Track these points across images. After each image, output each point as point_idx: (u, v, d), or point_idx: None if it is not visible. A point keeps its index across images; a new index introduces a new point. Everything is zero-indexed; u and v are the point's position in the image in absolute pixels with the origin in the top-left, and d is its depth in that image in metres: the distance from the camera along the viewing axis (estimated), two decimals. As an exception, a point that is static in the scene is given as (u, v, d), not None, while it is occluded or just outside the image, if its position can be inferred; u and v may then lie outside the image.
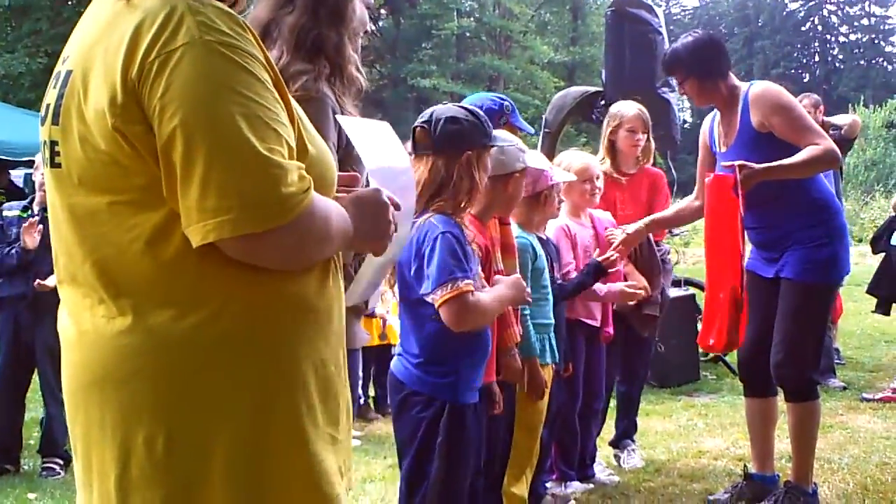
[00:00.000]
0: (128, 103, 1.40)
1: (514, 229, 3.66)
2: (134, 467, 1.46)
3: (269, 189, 1.39)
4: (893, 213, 7.19)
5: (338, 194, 1.66)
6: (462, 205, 2.91)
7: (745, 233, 4.01)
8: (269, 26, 2.38)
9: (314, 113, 2.23)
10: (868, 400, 6.43)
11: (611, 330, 4.61)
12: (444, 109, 2.95)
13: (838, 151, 3.97)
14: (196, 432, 1.45)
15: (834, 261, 4.02)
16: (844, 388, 6.84)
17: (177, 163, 1.38)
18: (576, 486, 4.52)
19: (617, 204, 4.86)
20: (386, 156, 1.91)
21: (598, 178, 4.48)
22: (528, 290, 3.16)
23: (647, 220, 4.47)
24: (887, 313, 7.26)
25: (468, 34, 36.95)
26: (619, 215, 4.73)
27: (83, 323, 1.53)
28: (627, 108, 4.97)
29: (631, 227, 4.38)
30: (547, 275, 3.89)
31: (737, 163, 3.75)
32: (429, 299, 2.82)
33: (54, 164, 1.54)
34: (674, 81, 4.46)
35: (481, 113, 3.01)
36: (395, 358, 3.06)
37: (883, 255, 7.12)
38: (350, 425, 1.73)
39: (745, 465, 4.34)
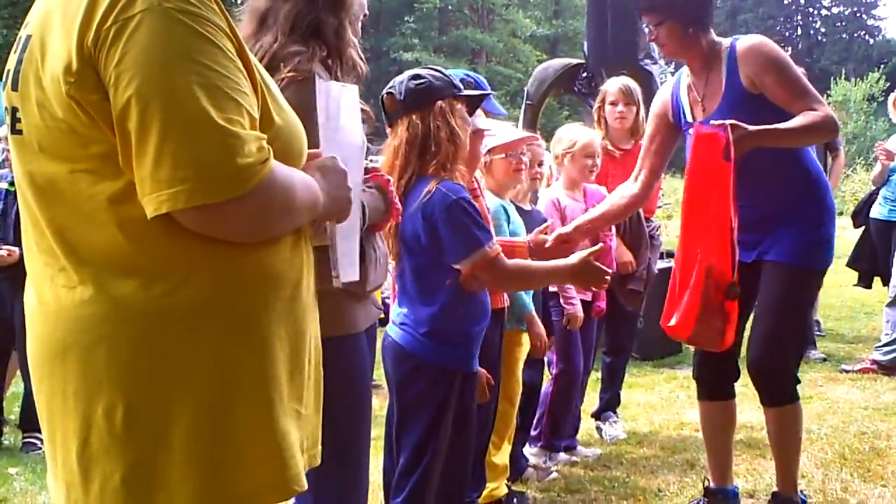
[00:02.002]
0: (84, 71, 1.38)
1: (490, 197, 3.71)
2: (94, 439, 1.44)
3: (225, 159, 1.36)
4: (873, 187, 7.20)
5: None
6: (451, 158, 2.87)
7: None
8: (266, 15, 2.36)
9: (306, 92, 2.20)
10: (847, 371, 6.50)
11: (603, 304, 4.65)
12: (405, 74, 2.95)
13: (837, 120, 3.46)
14: (157, 403, 1.43)
15: (828, 243, 3.55)
16: (824, 360, 6.90)
17: (132, 132, 1.36)
18: (558, 458, 4.56)
19: (609, 178, 4.88)
20: (341, 125, 1.89)
21: (598, 155, 4.49)
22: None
23: (570, 226, 3.69)
24: (869, 286, 7.30)
25: (450, 7, 36.82)
26: (610, 189, 4.73)
27: (44, 293, 1.51)
28: (611, 84, 5.06)
29: (564, 229, 3.58)
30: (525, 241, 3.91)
31: (728, 122, 3.16)
32: (460, 267, 2.81)
33: (16, 131, 1.51)
34: (644, 24, 3.63)
35: (443, 69, 3.00)
36: (391, 326, 3.03)
37: (863, 228, 7.16)
38: (318, 402, 1.71)
39: (704, 479, 3.84)
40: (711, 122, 3.23)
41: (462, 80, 3.41)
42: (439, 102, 2.84)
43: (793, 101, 3.36)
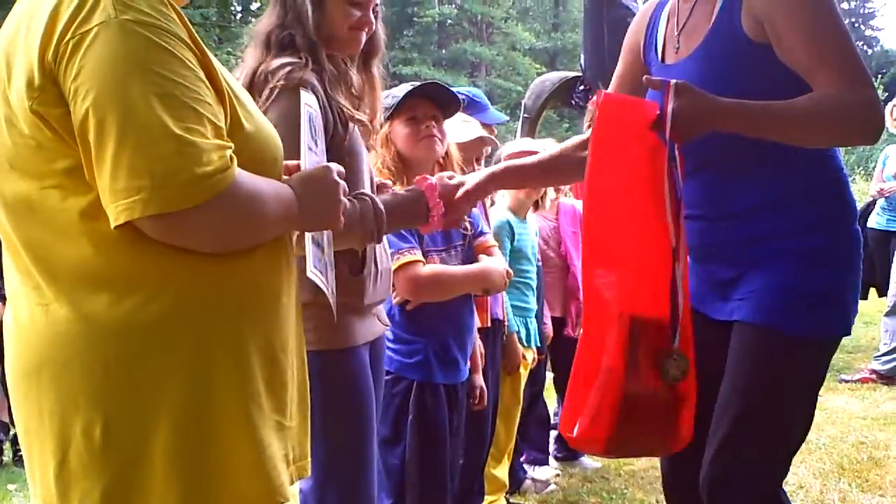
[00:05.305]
0: (45, 86, 1.38)
1: (498, 213, 3.74)
2: (72, 458, 1.43)
3: (182, 169, 1.35)
4: (871, 197, 7.22)
5: (285, 176, 1.63)
6: (400, 178, 2.86)
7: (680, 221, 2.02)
8: (262, 32, 2.39)
9: (292, 102, 2.21)
10: (846, 381, 6.50)
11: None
12: None
13: (882, 111, 2.03)
14: (135, 419, 1.42)
15: (842, 295, 2.11)
16: (823, 370, 6.89)
17: (92, 144, 1.36)
18: (557, 470, 4.57)
19: None
20: (315, 139, 1.89)
21: None
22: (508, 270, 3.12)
23: (500, 166, 2.58)
24: (865, 297, 7.31)
25: (449, 21, 36.89)
26: None
27: (20, 312, 1.50)
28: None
29: (473, 178, 2.43)
30: (532, 258, 3.92)
31: (673, 81, 1.95)
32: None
33: None
34: None
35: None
36: None
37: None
38: (303, 414, 1.70)
39: None
40: (646, 77, 2.06)
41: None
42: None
43: (816, 65, 1.99)
